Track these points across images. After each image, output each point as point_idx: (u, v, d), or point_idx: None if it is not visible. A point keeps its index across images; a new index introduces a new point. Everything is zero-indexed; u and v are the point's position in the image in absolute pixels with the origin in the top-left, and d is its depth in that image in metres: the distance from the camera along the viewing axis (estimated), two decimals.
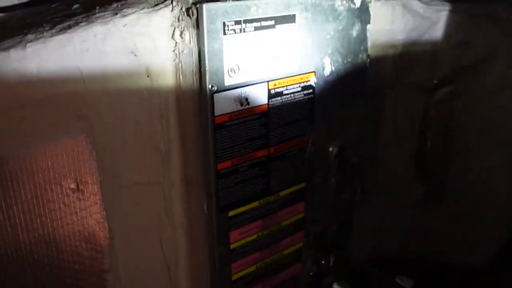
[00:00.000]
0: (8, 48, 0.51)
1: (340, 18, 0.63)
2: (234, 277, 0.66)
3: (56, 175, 0.59)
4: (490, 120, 0.86)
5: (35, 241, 0.60)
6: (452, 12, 0.81)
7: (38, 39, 0.53)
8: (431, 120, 0.90)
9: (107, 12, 0.56)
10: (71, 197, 0.61)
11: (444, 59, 0.85)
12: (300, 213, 0.70)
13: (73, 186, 0.61)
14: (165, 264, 0.66)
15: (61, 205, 0.60)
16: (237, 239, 0.64)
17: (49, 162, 0.58)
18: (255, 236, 0.66)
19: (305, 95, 0.63)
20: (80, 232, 0.63)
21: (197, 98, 0.56)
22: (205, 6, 0.50)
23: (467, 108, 0.87)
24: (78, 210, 0.62)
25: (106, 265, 0.65)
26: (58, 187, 0.60)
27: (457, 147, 0.90)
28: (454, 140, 0.90)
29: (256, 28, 0.55)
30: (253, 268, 0.68)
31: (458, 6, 0.81)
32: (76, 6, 0.64)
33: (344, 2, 0.62)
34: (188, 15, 0.53)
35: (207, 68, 0.53)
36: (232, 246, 0.64)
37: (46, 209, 0.60)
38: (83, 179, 0.60)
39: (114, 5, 0.58)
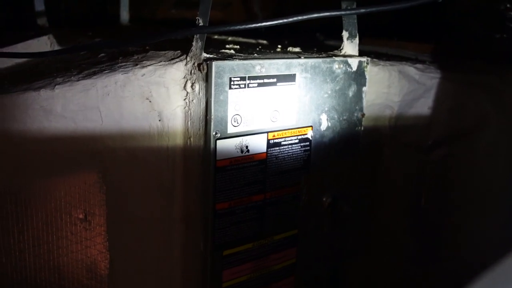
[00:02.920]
0: (38, 88, 0.58)
1: (337, 79, 0.69)
2: None
3: (67, 205, 0.63)
4: (483, 183, 0.90)
5: (40, 266, 0.64)
6: (445, 79, 0.87)
7: (65, 82, 0.59)
8: (426, 178, 0.93)
9: (128, 63, 0.63)
10: (78, 227, 0.65)
11: (438, 123, 0.89)
12: (292, 259, 0.73)
13: (81, 216, 0.65)
14: None
15: (68, 233, 0.65)
16: (229, 278, 0.67)
17: (62, 193, 0.63)
18: (246, 277, 0.69)
19: (302, 147, 0.69)
20: (82, 261, 0.66)
21: (202, 143, 0.61)
22: (214, 63, 0.57)
23: (461, 169, 0.91)
24: (83, 239, 0.66)
25: None
26: (68, 216, 0.64)
27: (450, 206, 0.93)
28: (448, 199, 0.93)
29: (259, 85, 0.61)
30: None
31: (451, 74, 0.87)
32: (102, 55, 0.72)
33: (342, 65, 0.69)
34: (199, 69, 0.59)
35: (212, 117, 0.58)
36: (224, 285, 0.66)
37: (54, 236, 0.64)
38: (91, 211, 0.65)
39: (135, 56, 0.65)
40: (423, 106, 0.88)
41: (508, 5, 0.94)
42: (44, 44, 0.87)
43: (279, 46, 0.81)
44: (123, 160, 0.63)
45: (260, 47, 0.82)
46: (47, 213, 0.62)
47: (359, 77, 0.71)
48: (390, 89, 0.82)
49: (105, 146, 0.62)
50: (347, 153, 0.74)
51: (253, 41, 0.95)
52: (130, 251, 0.67)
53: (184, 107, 0.63)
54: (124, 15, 1.32)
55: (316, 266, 0.77)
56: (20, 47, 0.83)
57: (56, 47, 0.87)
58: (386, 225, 0.91)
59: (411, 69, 0.84)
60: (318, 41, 1.13)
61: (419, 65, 0.85)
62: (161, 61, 0.62)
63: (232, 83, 0.58)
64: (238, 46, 0.75)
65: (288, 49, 0.77)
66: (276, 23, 0.54)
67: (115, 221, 0.65)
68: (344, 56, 0.71)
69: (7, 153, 0.57)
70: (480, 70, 0.89)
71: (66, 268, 0.65)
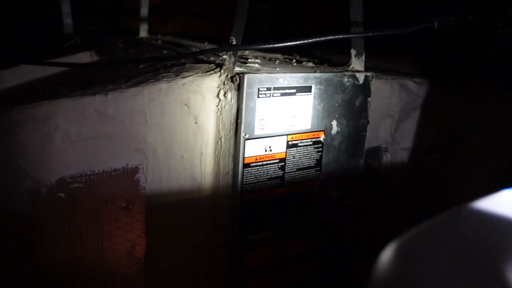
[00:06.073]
0: (94, 94, 0.67)
1: (346, 91, 0.80)
2: None
3: (112, 195, 0.73)
4: (473, 182, 0.99)
5: (86, 249, 0.73)
6: (440, 92, 0.97)
7: (117, 89, 0.69)
8: (422, 179, 1.04)
9: (170, 73, 0.73)
10: (120, 214, 0.74)
11: (433, 130, 1.00)
12: (305, 246, 0.83)
13: (123, 205, 0.74)
14: (191, 279, 0.79)
15: (112, 220, 0.74)
16: (252, 261, 0.77)
17: (108, 183, 0.73)
18: (265, 261, 0.79)
19: (315, 148, 0.79)
20: (123, 244, 0.75)
21: (232, 143, 0.72)
22: (247, 76, 0.67)
23: (453, 171, 1.01)
24: (124, 225, 0.75)
25: (141, 274, 0.77)
26: (112, 205, 0.73)
27: (444, 204, 1.02)
28: (442, 197, 1.03)
29: (281, 94, 0.72)
30: None
31: (445, 87, 0.98)
32: (142, 65, 0.82)
33: (350, 79, 0.80)
34: (232, 81, 0.70)
35: (243, 121, 0.69)
36: (247, 267, 0.77)
37: (99, 222, 0.73)
38: (133, 200, 0.74)
39: (175, 68, 0.76)
40: (420, 115, 0.99)
41: (499, 24, 1.04)
42: (84, 55, 0.97)
43: (294, 60, 0.92)
44: (162, 156, 0.73)
45: (277, 61, 0.93)
46: (95, 201, 0.71)
47: (365, 89, 0.82)
48: (391, 99, 0.93)
49: (148, 144, 0.72)
50: (353, 155, 0.85)
51: (268, 54, 1.06)
52: (164, 235, 0.76)
53: (217, 112, 0.73)
54: (144, 27, 1.42)
55: (326, 254, 0.87)
56: (64, 58, 0.93)
57: (95, 58, 0.97)
58: (385, 223, 1.01)
59: (410, 83, 0.95)
60: (323, 54, 1.23)
61: (417, 79, 0.96)
62: (198, 73, 0.72)
63: (260, 92, 0.69)
64: (259, 60, 0.86)
65: (303, 63, 0.88)
66: (298, 44, 0.65)
67: (153, 209, 0.75)
68: (353, 71, 0.82)
69: (64, 149, 0.66)
70: (472, 83, 1.00)
71: (109, 250, 0.74)
